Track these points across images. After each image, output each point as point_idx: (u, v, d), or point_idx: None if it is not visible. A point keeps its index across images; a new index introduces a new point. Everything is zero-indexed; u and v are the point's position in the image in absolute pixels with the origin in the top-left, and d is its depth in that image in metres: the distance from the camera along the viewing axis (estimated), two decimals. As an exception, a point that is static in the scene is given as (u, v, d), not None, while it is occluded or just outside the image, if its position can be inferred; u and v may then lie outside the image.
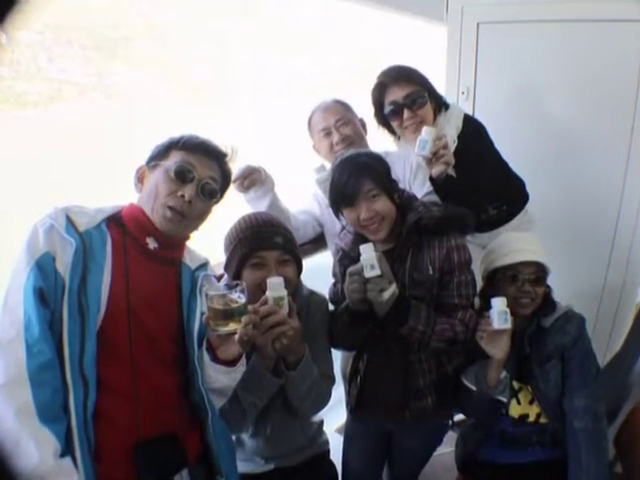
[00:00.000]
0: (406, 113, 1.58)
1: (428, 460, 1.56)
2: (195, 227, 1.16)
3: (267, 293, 1.13)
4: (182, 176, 1.09)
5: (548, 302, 1.43)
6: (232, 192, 1.31)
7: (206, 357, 1.10)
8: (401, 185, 1.39)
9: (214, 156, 1.16)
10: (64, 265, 0.97)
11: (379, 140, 1.75)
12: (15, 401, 0.88)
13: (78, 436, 0.93)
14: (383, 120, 1.68)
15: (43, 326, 0.92)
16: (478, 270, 1.47)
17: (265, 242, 1.24)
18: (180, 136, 1.13)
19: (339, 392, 1.54)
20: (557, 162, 2.05)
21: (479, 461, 1.50)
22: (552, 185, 2.04)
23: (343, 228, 1.40)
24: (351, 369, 1.44)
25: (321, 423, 1.49)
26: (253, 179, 1.51)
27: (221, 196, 1.19)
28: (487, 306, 1.30)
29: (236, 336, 1.06)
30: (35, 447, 0.86)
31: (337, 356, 1.56)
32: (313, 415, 1.42)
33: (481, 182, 1.61)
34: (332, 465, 1.48)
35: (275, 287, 1.13)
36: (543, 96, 2.05)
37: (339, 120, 1.64)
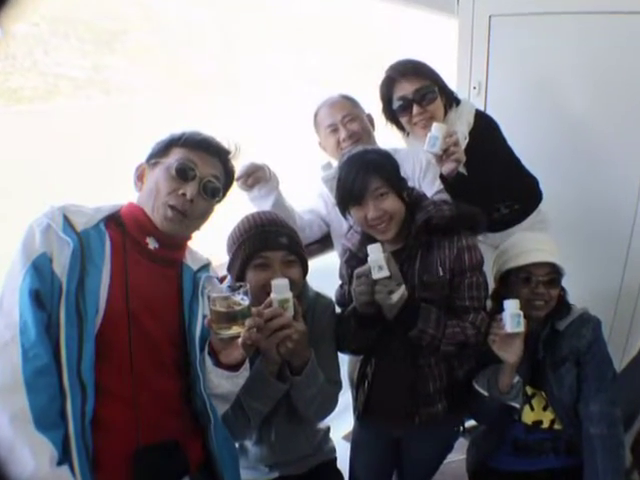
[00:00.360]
0: (415, 109, 1.55)
1: (438, 468, 1.54)
2: (197, 227, 1.15)
3: (271, 295, 1.11)
4: (183, 174, 1.07)
5: (563, 304, 1.41)
6: (235, 191, 1.29)
7: (208, 361, 1.08)
8: (410, 183, 1.38)
9: (216, 153, 1.14)
10: (61, 266, 0.95)
11: (387, 136, 1.72)
12: (10, 407, 0.86)
13: (76, 443, 0.90)
14: (392, 116, 1.65)
15: (40, 329, 0.91)
16: (490, 271, 1.45)
17: (269, 242, 1.22)
18: (181, 133, 1.12)
19: (346, 398, 1.53)
20: (572, 159, 2.01)
21: (491, 469, 1.47)
22: (567, 183, 2.00)
23: (350, 228, 1.39)
24: (358, 374, 1.43)
25: (327, 430, 1.47)
26: (257, 177, 1.49)
27: (224, 195, 1.17)
28: (499, 308, 1.28)
29: (239, 340, 1.04)
30: (31, 455, 0.84)
31: (344, 360, 1.54)
32: (319, 422, 1.41)
33: (493, 180, 1.58)
34: (339, 473, 1.46)
35: (280, 289, 1.11)
36: (557, 91, 2.01)
37: (346, 116, 1.61)
